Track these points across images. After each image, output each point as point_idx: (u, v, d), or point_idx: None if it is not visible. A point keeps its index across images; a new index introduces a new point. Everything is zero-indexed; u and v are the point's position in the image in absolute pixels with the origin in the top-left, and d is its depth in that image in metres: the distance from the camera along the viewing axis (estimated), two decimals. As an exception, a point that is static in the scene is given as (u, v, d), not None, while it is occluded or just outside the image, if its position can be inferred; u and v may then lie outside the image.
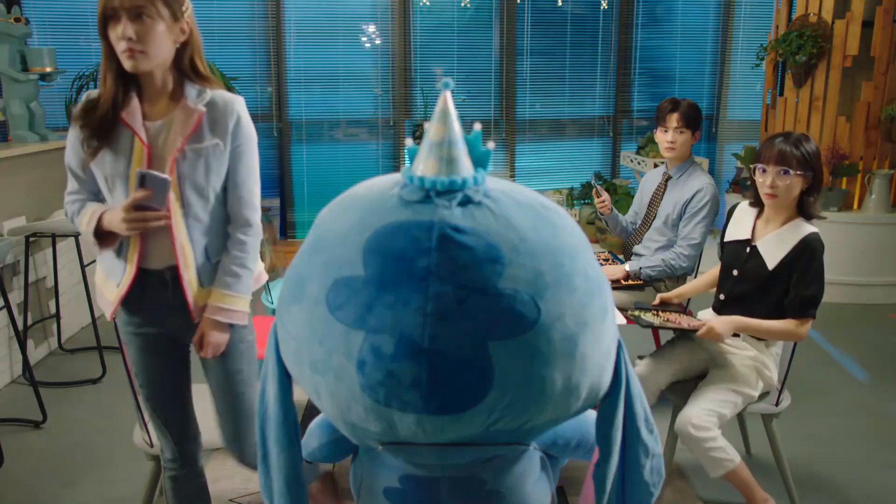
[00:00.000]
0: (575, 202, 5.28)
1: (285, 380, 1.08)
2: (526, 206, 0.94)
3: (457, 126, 0.91)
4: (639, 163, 4.90)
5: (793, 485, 2.13)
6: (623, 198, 4.85)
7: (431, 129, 0.91)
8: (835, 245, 4.10)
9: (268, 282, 3.01)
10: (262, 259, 3.02)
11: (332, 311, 0.89)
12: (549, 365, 0.89)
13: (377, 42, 5.06)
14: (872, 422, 2.77)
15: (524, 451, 1.15)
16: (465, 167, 0.91)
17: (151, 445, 1.72)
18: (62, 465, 2.40)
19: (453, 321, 0.84)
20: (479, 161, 0.95)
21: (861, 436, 2.65)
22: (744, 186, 4.65)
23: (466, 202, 0.89)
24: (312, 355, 0.94)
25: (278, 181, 5.11)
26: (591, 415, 1.21)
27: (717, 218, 5.83)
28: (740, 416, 2.49)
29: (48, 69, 3.52)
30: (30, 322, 3.18)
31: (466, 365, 0.85)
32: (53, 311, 3.40)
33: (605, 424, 1.08)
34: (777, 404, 2.00)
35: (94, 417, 2.75)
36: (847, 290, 4.12)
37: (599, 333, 0.96)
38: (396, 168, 5.27)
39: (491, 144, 0.96)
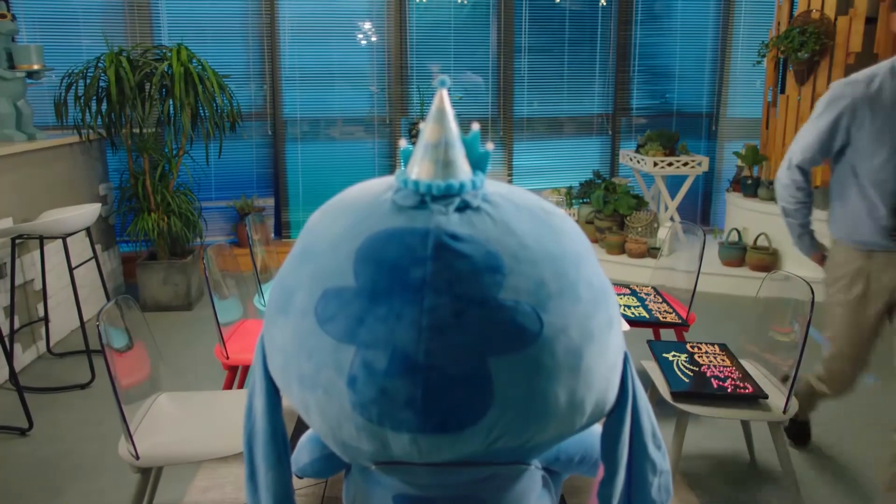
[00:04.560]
0: (573, 201, 5.23)
1: (273, 394, 1.04)
2: (527, 211, 0.90)
3: (454, 126, 0.88)
4: (638, 161, 4.85)
5: (801, 494, 2.08)
6: (622, 197, 4.80)
7: (427, 130, 0.87)
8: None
9: (260, 283, 2.95)
10: (254, 260, 2.97)
11: (321, 323, 0.85)
12: (553, 380, 0.85)
13: (373, 39, 5.01)
14: (880, 427, 2.71)
15: (525, 469, 1.10)
16: (463, 170, 0.88)
17: (137, 458, 1.66)
18: (48, 474, 2.34)
19: (450, 335, 0.80)
20: (478, 164, 0.91)
21: (869, 442, 2.59)
22: (745, 186, 4.60)
23: (464, 208, 0.85)
24: (300, 370, 0.90)
25: (272, 180, 5.05)
26: (596, 428, 1.18)
27: (718, 217, 5.77)
28: (745, 423, 2.44)
29: (35, 66, 3.46)
30: (17, 326, 3.11)
31: (464, 381, 0.81)
32: (42, 314, 3.34)
33: (610, 441, 1.05)
34: (785, 411, 1.94)
35: (82, 424, 2.68)
36: (849, 290, 4.05)
37: (605, 345, 0.92)
38: (393, 167, 5.22)
39: (490, 146, 0.91)
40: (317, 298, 0.86)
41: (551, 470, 1.24)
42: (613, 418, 1.01)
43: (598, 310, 0.90)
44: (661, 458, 1.11)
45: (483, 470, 1.02)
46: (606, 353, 0.92)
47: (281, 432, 1.06)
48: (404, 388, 0.81)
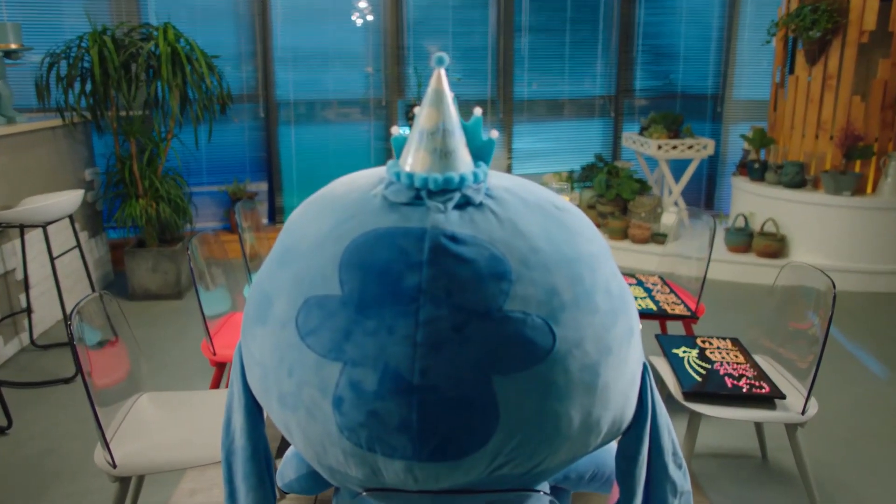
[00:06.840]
0: (575, 185, 5.12)
1: (253, 409, 0.95)
2: (537, 208, 0.80)
3: (453, 111, 0.77)
4: (641, 144, 4.73)
5: (816, 495, 1.99)
6: (625, 181, 4.68)
7: (422, 115, 0.77)
8: (847, 231, 3.96)
9: (250, 273, 2.84)
10: (244, 248, 2.85)
11: (303, 336, 0.77)
12: (566, 400, 0.77)
13: (369, 18, 4.86)
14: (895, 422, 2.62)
15: (531, 496, 1.00)
16: (463, 161, 0.78)
17: (114, 466, 1.55)
18: (28, 476, 2.24)
19: (449, 352, 0.72)
20: (480, 153, 0.81)
21: (885, 437, 2.50)
22: (751, 170, 4.48)
23: (465, 204, 0.76)
24: (280, 387, 0.81)
25: (265, 164, 4.93)
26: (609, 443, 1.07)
27: (723, 202, 5.66)
28: (758, 423, 2.34)
29: (13, 46, 3.31)
30: (-2, 317, 3.00)
31: (465, 404, 0.73)
32: (24, 305, 3.23)
33: (627, 461, 0.97)
34: (804, 412, 1.84)
35: (64, 421, 2.58)
36: (860, 278, 3.97)
37: (624, 359, 0.83)
38: (390, 150, 5.10)
39: (494, 133, 0.80)
40: (298, 308, 0.77)
41: (559, 488, 1.14)
42: (631, 436, 0.93)
43: (617, 320, 0.81)
44: (682, 477, 1.02)
45: (485, 497, 0.93)
46: (625, 368, 0.83)
47: (263, 451, 0.98)
48: (397, 410, 0.73)
